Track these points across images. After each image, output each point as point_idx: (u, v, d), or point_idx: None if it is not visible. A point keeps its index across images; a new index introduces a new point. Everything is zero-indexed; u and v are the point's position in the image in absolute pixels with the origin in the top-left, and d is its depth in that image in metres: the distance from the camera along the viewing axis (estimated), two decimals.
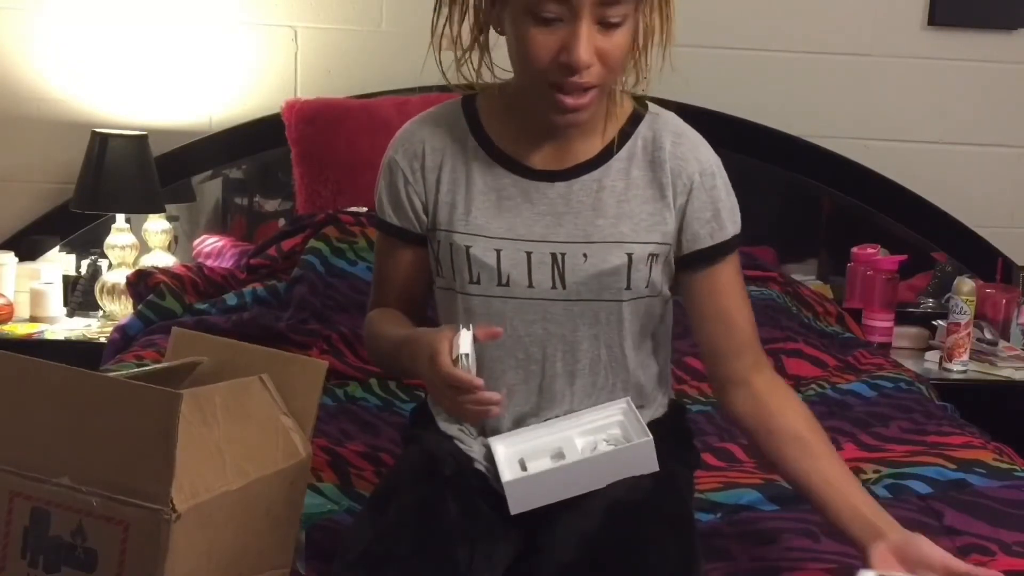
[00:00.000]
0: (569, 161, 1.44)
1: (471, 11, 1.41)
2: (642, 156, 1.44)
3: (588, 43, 1.29)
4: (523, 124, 1.44)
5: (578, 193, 1.43)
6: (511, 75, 1.43)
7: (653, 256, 1.44)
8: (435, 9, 1.42)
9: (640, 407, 1.51)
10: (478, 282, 1.44)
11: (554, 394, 1.47)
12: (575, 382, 1.47)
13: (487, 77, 1.44)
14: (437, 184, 1.47)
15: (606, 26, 1.31)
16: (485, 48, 1.43)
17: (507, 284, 1.43)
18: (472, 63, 1.43)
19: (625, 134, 1.44)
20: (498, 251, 1.43)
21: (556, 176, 1.44)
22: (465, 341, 1.31)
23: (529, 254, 1.43)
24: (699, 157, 1.44)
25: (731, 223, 1.46)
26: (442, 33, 1.41)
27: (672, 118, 1.47)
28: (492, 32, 1.42)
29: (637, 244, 1.43)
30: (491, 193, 1.45)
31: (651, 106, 1.47)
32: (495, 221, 1.44)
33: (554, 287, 1.43)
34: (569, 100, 1.33)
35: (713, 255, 1.45)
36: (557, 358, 1.46)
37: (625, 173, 1.43)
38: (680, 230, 1.45)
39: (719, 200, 1.44)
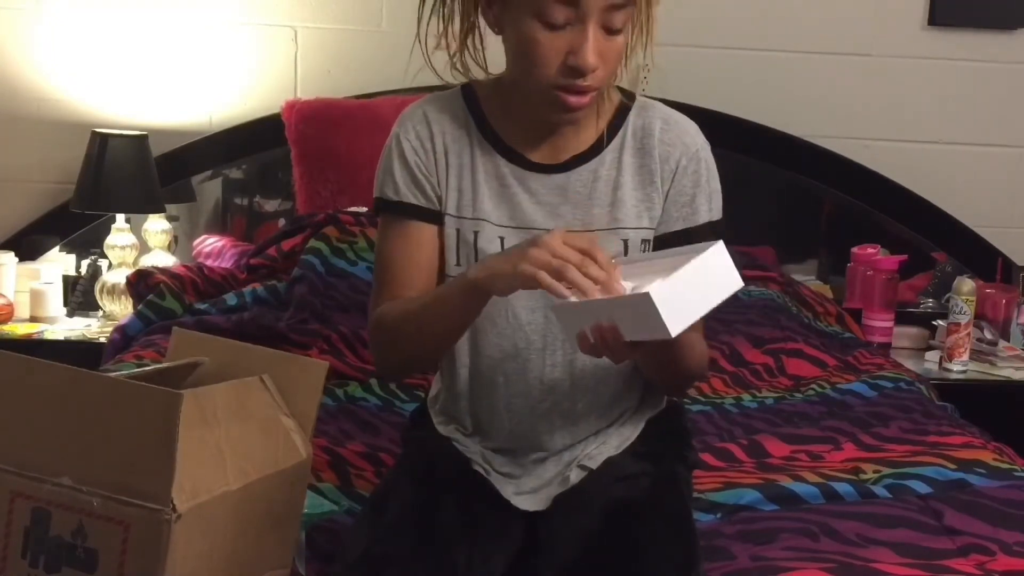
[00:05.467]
0: (565, 154, 1.45)
1: (458, 10, 1.41)
2: (632, 144, 1.45)
3: (595, 47, 1.31)
4: (520, 119, 1.44)
5: (575, 184, 1.44)
6: (501, 70, 1.44)
7: (646, 242, 1.45)
8: (430, 8, 1.42)
9: (639, 405, 1.51)
10: None
11: (553, 384, 1.47)
12: (574, 371, 1.47)
13: (479, 74, 1.45)
14: (446, 168, 1.46)
15: (609, 31, 1.32)
16: (477, 44, 1.43)
17: None
18: (465, 59, 1.43)
19: (616, 124, 1.45)
20: (502, 238, 1.44)
21: (553, 169, 1.44)
22: None
23: None
24: (685, 142, 1.45)
25: (706, 209, 1.45)
26: (433, 33, 1.42)
27: (661, 106, 1.48)
28: (482, 28, 1.43)
29: (631, 230, 1.44)
30: (493, 181, 1.45)
31: (639, 96, 1.48)
32: (498, 209, 1.44)
33: None
34: (573, 99, 1.34)
35: (680, 240, 1.42)
36: (556, 347, 1.46)
37: (617, 161, 1.45)
38: (662, 213, 1.45)
39: (699, 185, 1.45)
